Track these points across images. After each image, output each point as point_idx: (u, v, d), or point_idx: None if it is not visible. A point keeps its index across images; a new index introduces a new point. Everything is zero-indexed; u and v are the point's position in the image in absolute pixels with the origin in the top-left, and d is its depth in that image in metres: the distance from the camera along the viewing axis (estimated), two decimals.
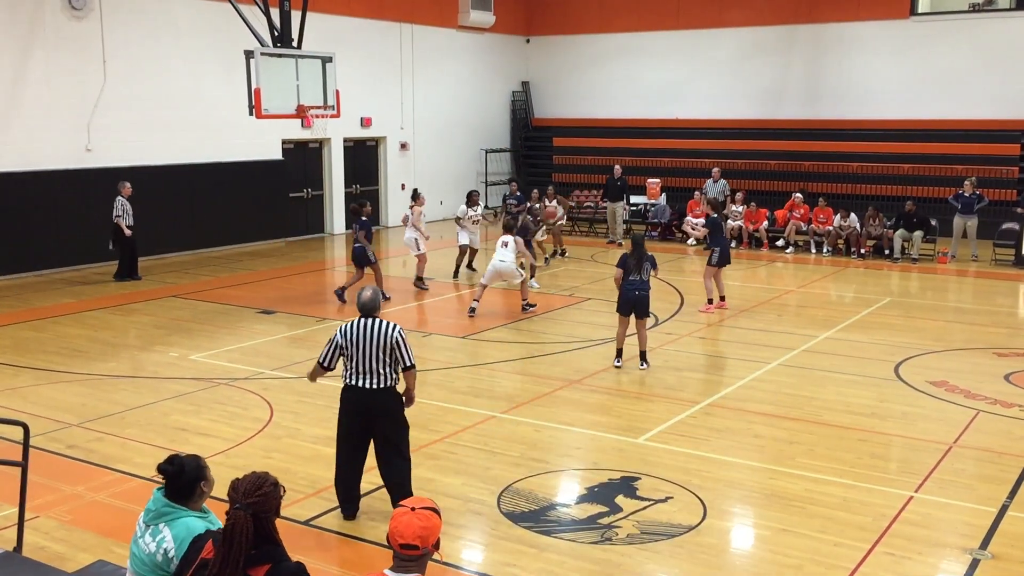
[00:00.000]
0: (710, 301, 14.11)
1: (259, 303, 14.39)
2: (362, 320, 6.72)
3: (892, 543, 6.53)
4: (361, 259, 14.51)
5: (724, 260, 14.05)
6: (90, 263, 17.50)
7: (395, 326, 6.69)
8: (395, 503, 6.59)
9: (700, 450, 8.37)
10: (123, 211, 16.11)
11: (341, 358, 6.78)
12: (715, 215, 14.60)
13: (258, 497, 3.55)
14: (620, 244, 20.68)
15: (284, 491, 3.72)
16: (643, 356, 10.95)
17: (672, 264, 18.83)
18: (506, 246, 13.91)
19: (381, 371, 6.64)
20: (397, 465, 6.81)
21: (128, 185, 16.30)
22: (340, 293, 14.64)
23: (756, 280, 17.40)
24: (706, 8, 25.47)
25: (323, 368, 6.88)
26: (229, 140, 20.06)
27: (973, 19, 22.61)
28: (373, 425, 6.79)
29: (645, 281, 10.80)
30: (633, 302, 10.74)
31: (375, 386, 6.65)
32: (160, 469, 4.11)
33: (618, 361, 10.98)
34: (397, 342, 6.63)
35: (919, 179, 22.28)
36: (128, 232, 16.16)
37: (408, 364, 6.71)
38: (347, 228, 14.59)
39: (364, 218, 14.66)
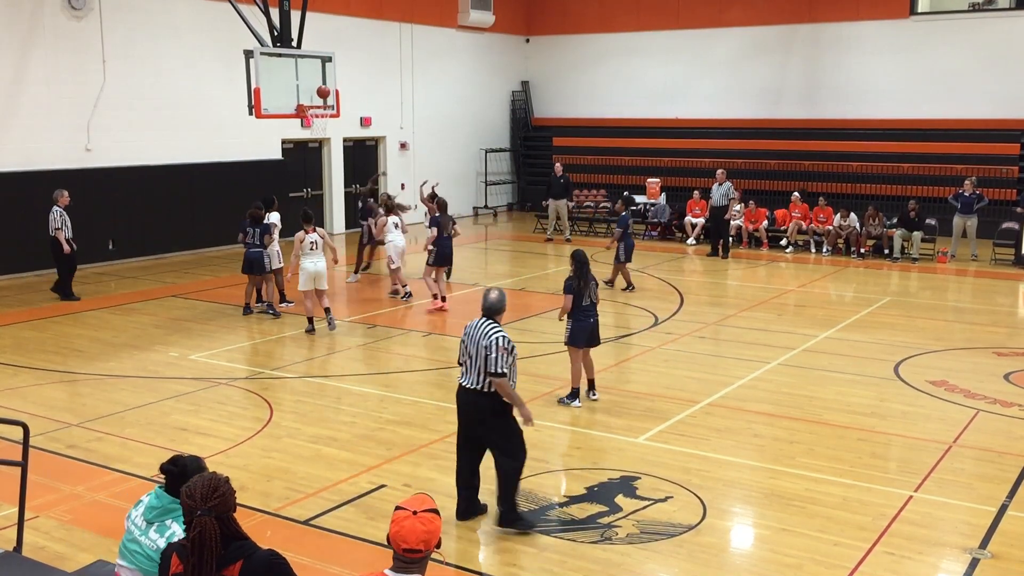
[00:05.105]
0: (435, 297, 14.11)
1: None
2: (479, 321, 6.73)
3: (892, 542, 6.53)
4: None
5: (441, 260, 14.16)
6: (90, 263, 17.49)
7: (496, 329, 6.59)
8: (499, 503, 6.67)
9: (700, 450, 8.37)
10: (62, 223, 14.42)
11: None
12: (437, 214, 14.34)
13: (217, 499, 3.48)
14: (568, 240, 21.56)
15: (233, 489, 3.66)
16: (593, 385, 9.82)
17: (672, 264, 18.85)
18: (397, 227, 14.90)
19: (479, 373, 6.61)
20: (498, 464, 6.75)
21: (66, 194, 14.58)
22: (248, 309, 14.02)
23: (756, 279, 17.41)
24: (706, 8, 25.47)
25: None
26: (229, 140, 20.07)
27: (973, 19, 22.62)
28: (474, 425, 6.76)
29: (595, 304, 9.67)
30: (590, 330, 9.56)
31: (472, 387, 6.66)
32: (164, 469, 4.18)
33: (579, 401, 9.61)
34: (490, 345, 6.50)
35: (919, 179, 22.28)
36: (68, 248, 14.47)
37: (495, 370, 6.47)
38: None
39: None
